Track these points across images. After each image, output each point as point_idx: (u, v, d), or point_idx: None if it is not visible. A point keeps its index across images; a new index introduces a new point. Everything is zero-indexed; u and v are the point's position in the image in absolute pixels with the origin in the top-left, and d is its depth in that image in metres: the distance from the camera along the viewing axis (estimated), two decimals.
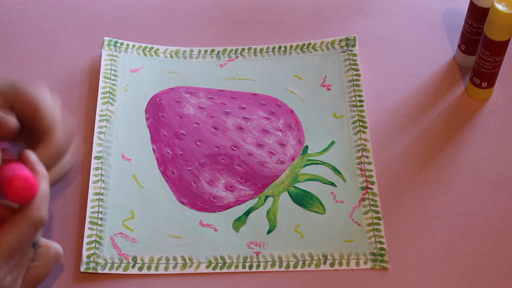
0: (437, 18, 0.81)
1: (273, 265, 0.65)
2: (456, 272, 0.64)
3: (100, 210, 0.67)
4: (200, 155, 0.71)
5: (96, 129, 0.72)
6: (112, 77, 0.76)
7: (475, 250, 0.65)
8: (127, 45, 0.78)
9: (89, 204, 0.67)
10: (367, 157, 0.70)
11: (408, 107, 0.74)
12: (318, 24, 0.81)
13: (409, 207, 0.68)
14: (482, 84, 0.73)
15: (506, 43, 0.69)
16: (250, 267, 0.65)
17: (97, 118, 0.73)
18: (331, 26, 0.80)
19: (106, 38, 0.78)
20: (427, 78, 0.76)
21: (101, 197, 0.68)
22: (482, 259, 0.65)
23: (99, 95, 0.74)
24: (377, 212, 0.67)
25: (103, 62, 0.76)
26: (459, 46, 0.76)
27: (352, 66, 0.76)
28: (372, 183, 0.69)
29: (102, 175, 0.69)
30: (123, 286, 0.64)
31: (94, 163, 0.70)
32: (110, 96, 0.74)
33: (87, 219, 0.67)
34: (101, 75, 0.75)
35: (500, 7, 0.66)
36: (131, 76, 0.76)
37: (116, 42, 0.78)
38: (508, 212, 0.67)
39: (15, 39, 0.79)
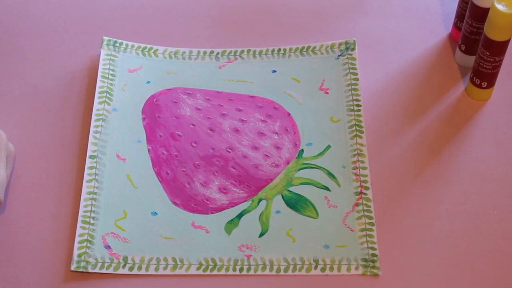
0: (437, 18, 0.81)
1: (263, 268, 0.64)
2: (451, 279, 0.63)
3: (93, 209, 0.67)
4: (195, 156, 0.70)
5: (92, 128, 0.71)
6: (110, 77, 0.75)
7: (474, 250, 0.64)
8: (126, 45, 0.78)
9: (82, 203, 0.67)
10: (362, 161, 0.69)
11: (408, 107, 0.74)
12: (318, 24, 0.80)
13: (402, 214, 0.67)
14: (482, 84, 0.72)
15: (506, 43, 0.69)
16: (241, 270, 0.64)
17: (94, 117, 0.72)
18: (331, 27, 0.80)
19: (105, 38, 0.78)
20: (427, 78, 0.76)
21: (94, 196, 0.68)
22: (482, 259, 0.64)
23: (96, 95, 0.74)
24: (371, 217, 0.66)
25: (101, 62, 0.76)
26: (459, 46, 0.76)
27: (351, 70, 0.75)
28: (367, 188, 0.68)
29: (96, 174, 0.69)
30: (113, 285, 0.63)
31: (88, 162, 0.70)
32: (107, 95, 0.74)
33: (80, 218, 0.66)
34: (99, 74, 0.75)
35: (500, 7, 0.66)
36: (129, 76, 0.76)
37: (115, 42, 0.78)
38: (508, 212, 0.67)
39: (15, 39, 0.79)
